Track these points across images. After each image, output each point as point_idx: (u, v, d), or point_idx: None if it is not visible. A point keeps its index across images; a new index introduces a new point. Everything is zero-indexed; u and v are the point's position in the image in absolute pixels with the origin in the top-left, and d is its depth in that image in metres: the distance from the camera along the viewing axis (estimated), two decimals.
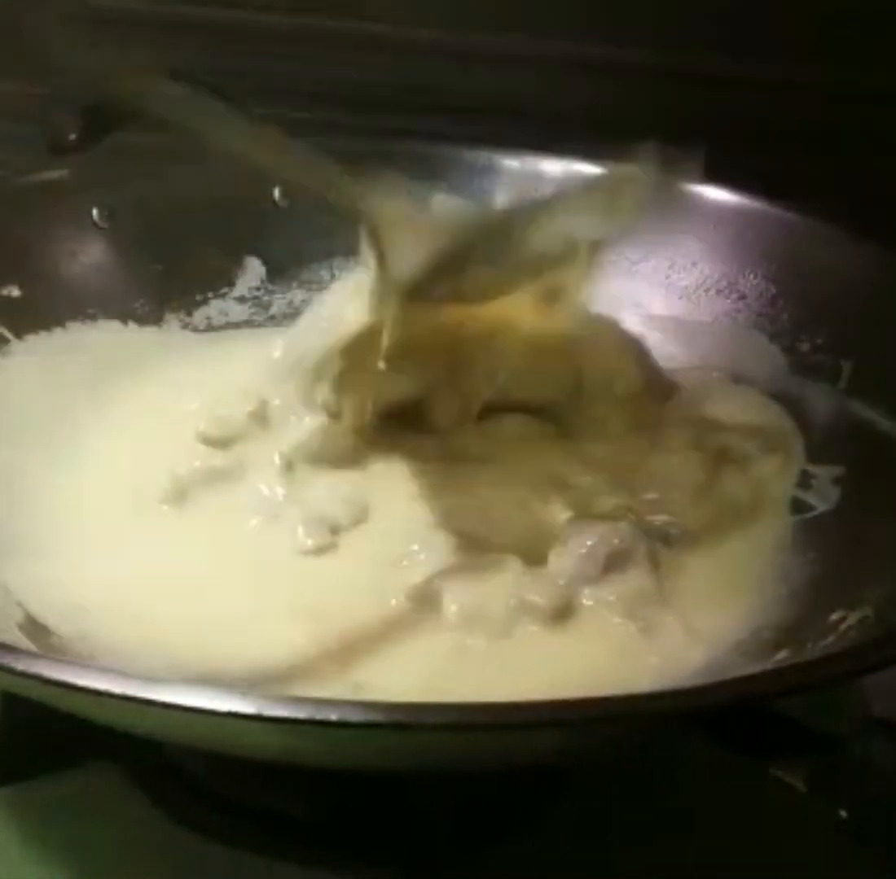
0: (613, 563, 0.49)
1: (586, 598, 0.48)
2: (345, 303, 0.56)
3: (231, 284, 0.69)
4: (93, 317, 0.64)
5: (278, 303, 0.70)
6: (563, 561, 0.49)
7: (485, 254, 0.50)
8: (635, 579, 0.49)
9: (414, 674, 0.45)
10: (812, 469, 0.56)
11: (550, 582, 0.48)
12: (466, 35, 0.78)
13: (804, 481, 0.56)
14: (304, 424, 0.55)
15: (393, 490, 0.53)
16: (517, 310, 0.53)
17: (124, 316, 0.65)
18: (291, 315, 0.70)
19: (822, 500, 0.54)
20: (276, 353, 0.58)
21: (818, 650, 0.44)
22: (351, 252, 0.70)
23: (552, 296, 0.53)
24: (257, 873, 0.45)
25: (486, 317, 0.53)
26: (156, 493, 0.53)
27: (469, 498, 0.52)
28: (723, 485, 0.54)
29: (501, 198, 0.71)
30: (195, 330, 0.67)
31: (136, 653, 0.45)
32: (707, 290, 0.66)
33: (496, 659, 0.46)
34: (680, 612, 0.48)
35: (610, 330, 0.58)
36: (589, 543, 0.49)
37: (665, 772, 0.48)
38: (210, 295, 0.68)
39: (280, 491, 0.53)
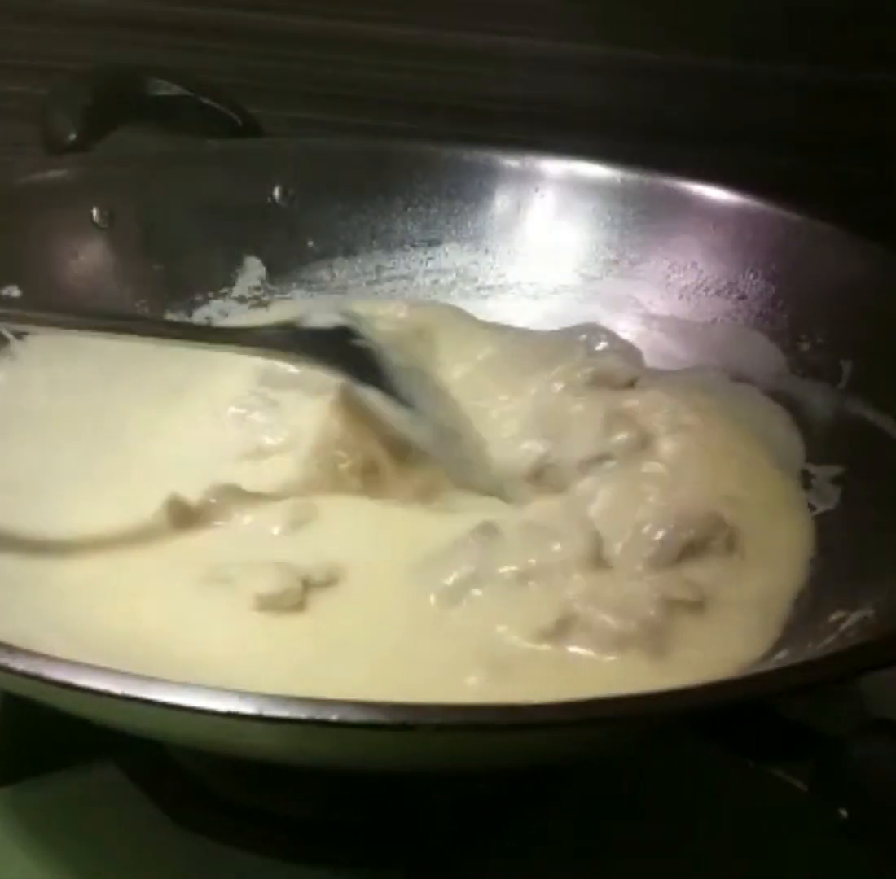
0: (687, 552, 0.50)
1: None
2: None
3: (231, 284, 0.69)
4: None
5: (278, 303, 0.70)
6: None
7: None
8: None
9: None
10: (812, 469, 0.56)
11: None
12: (467, 35, 0.78)
13: (804, 481, 0.56)
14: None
15: None
16: None
17: None
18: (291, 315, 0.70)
19: (822, 500, 0.54)
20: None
21: (818, 650, 0.44)
22: (351, 252, 0.71)
23: None
24: (257, 873, 0.45)
25: None
26: None
27: None
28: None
29: (501, 199, 0.71)
30: None
31: None
32: (707, 290, 0.66)
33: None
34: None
35: None
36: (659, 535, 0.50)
37: (665, 772, 0.48)
38: (210, 295, 0.68)
39: None
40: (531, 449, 0.57)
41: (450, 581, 0.47)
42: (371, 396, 0.55)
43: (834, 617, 0.46)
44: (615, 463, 0.55)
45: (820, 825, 0.37)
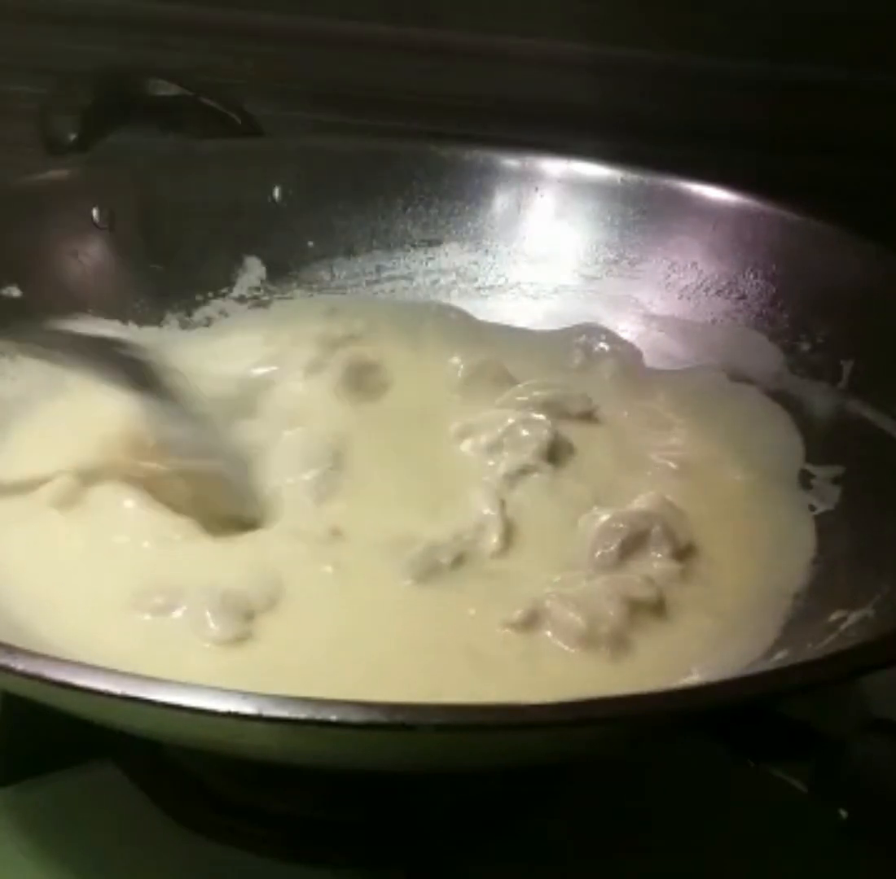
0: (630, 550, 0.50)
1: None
2: None
3: (231, 284, 0.69)
4: (93, 317, 0.64)
5: (278, 303, 0.70)
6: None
7: None
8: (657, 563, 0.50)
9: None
10: (812, 469, 0.56)
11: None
12: (466, 35, 0.78)
13: (804, 481, 0.56)
14: None
15: None
16: None
17: (124, 316, 0.65)
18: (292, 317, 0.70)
19: (822, 500, 0.54)
20: None
21: (818, 650, 0.44)
22: (351, 252, 0.71)
23: None
24: (257, 873, 0.45)
25: None
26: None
27: None
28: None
29: (501, 199, 0.71)
30: (194, 329, 0.67)
31: None
32: (707, 290, 0.66)
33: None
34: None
35: None
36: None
37: (665, 772, 0.48)
38: (210, 295, 0.68)
39: None
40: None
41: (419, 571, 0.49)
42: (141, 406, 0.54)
43: (834, 617, 0.46)
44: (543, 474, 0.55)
45: (820, 825, 0.37)
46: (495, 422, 0.57)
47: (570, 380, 0.63)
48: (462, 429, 0.58)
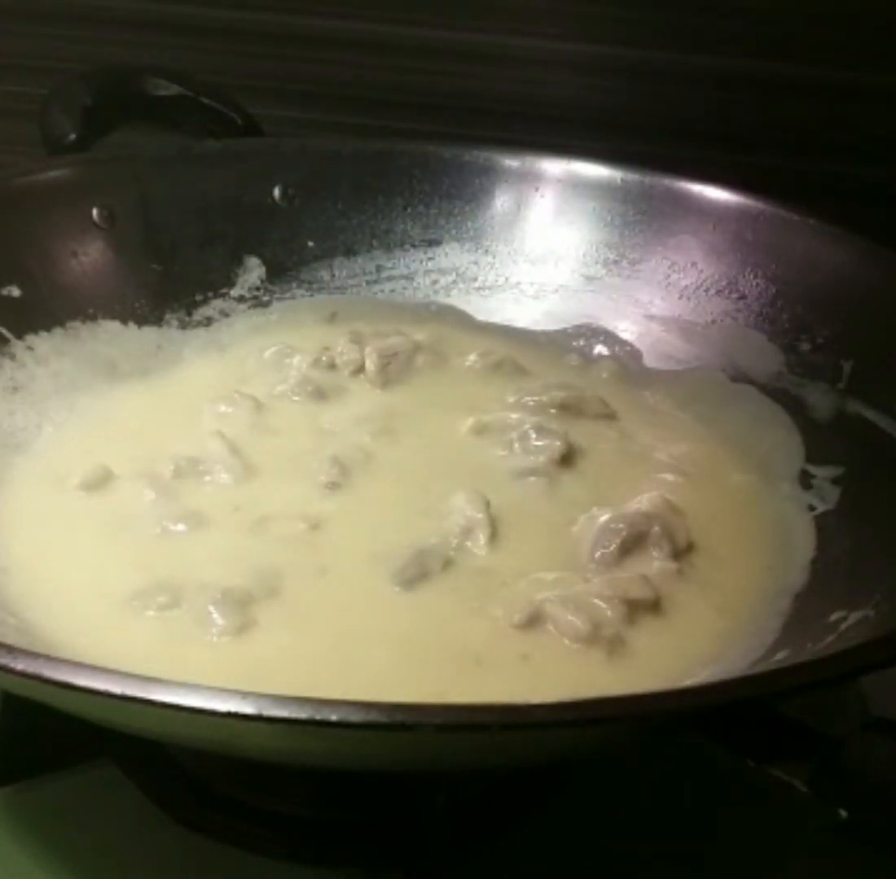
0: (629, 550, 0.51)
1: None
2: None
3: (231, 284, 0.69)
4: (93, 317, 0.64)
5: (278, 303, 0.70)
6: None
7: None
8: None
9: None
10: (812, 469, 0.56)
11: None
12: (467, 35, 0.78)
13: (804, 481, 0.56)
14: None
15: None
16: None
17: (124, 316, 0.65)
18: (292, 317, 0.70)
19: (822, 500, 0.54)
20: None
21: (818, 650, 0.44)
22: (351, 252, 0.71)
23: None
24: (257, 873, 0.45)
25: None
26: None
27: None
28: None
29: (501, 199, 0.71)
30: (194, 329, 0.67)
31: None
32: (707, 290, 0.66)
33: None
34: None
35: None
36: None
37: (665, 772, 0.48)
38: (210, 295, 0.68)
39: None
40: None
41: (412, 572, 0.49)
42: None
43: (834, 617, 0.46)
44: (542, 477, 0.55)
45: (820, 825, 0.37)
46: (511, 424, 0.58)
47: (570, 380, 0.63)
48: (476, 426, 0.58)
